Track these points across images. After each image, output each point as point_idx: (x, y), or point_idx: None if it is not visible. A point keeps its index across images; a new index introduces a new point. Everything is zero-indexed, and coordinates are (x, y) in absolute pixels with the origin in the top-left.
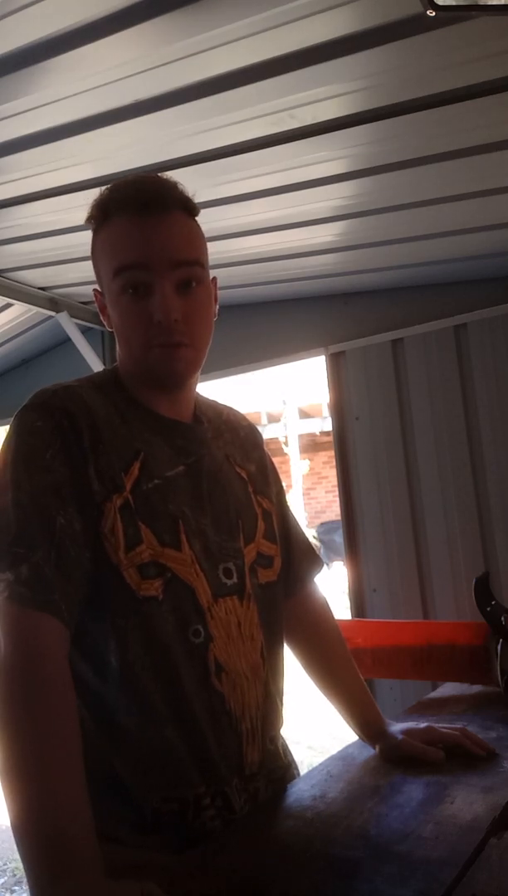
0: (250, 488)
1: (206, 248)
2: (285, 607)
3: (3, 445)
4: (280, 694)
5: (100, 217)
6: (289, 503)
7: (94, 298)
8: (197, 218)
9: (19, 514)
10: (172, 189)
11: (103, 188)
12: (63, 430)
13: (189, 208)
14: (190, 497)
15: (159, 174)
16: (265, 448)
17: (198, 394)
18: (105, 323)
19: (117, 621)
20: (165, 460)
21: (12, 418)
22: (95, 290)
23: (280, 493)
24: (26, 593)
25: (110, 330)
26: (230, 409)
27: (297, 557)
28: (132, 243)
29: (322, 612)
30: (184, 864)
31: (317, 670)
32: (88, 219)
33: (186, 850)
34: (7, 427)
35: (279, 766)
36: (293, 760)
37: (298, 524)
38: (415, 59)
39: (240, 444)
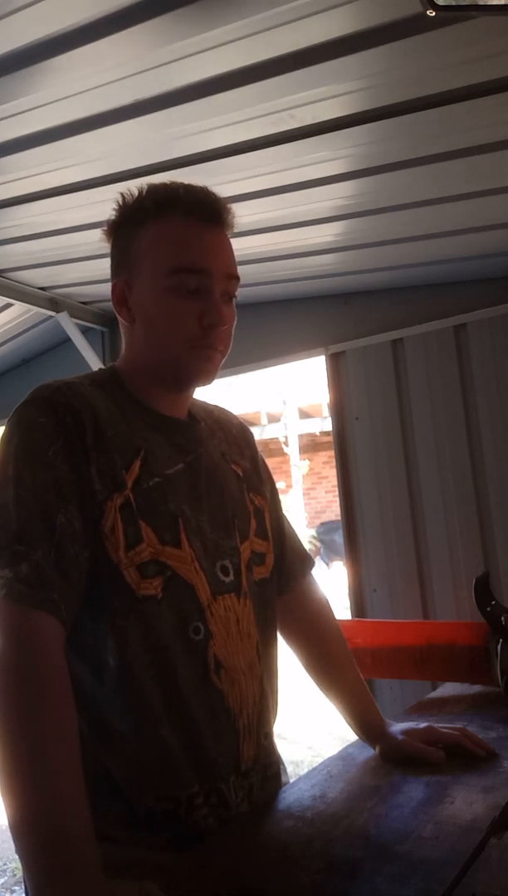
0: (244, 486)
1: None
2: (279, 604)
3: (4, 441)
4: (274, 690)
5: (154, 209)
6: (282, 501)
7: (111, 290)
8: None
9: (20, 511)
10: (229, 208)
11: (145, 183)
12: (66, 426)
13: (231, 228)
14: (189, 495)
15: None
16: (257, 446)
17: None
18: (122, 315)
19: (116, 621)
20: (165, 458)
21: (13, 413)
22: (118, 280)
23: (273, 491)
24: (25, 591)
25: (127, 323)
26: (220, 408)
27: (289, 554)
28: (201, 247)
29: (321, 610)
30: (183, 864)
31: (317, 670)
32: (134, 207)
33: (182, 849)
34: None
35: (274, 762)
36: (281, 756)
37: (290, 522)
38: (415, 59)
39: (233, 441)
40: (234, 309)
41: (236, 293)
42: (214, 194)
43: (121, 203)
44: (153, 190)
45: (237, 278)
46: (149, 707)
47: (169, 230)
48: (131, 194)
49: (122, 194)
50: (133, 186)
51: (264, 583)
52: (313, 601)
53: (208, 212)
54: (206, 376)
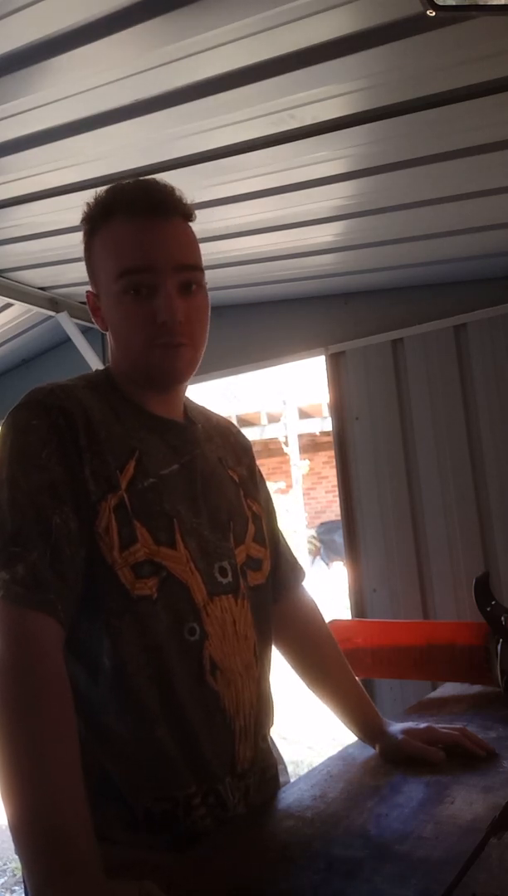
0: (241, 491)
1: (200, 253)
2: (273, 612)
3: None
4: (271, 693)
5: (99, 218)
6: (276, 510)
7: (86, 300)
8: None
9: (15, 513)
10: (173, 194)
11: (100, 189)
12: (59, 428)
13: (187, 214)
14: (184, 496)
15: (157, 179)
16: (254, 456)
17: (187, 398)
18: (98, 324)
19: (111, 621)
20: (160, 458)
21: (6, 416)
22: (88, 291)
23: (268, 501)
24: (22, 592)
25: (103, 331)
26: (220, 416)
27: (282, 564)
28: (137, 246)
29: (311, 616)
30: (183, 864)
31: (311, 675)
32: (86, 218)
33: (180, 850)
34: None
35: (272, 765)
36: (281, 756)
37: (283, 533)
38: (415, 59)
39: (231, 448)
40: (200, 299)
41: (200, 281)
42: (156, 185)
43: (84, 213)
44: (101, 195)
45: (192, 267)
46: (145, 708)
47: (111, 234)
48: (90, 203)
49: (87, 203)
50: (93, 195)
51: (260, 588)
52: (304, 609)
53: (145, 206)
54: (176, 374)
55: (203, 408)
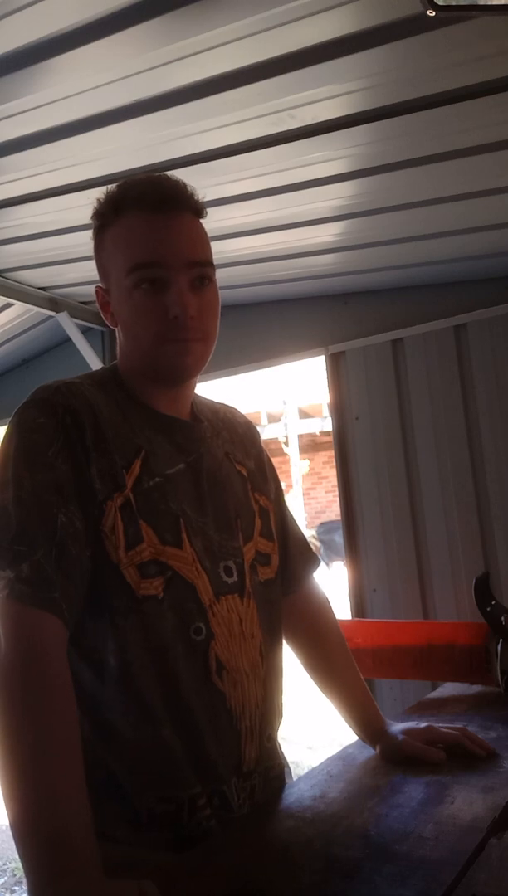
0: (248, 486)
1: (211, 248)
2: (283, 605)
3: (4, 442)
4: (279, 692)
5: (110, 213)
6: (287, 501)
7: (95, 296)
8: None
9: (20, 512)
10: (185, 189)
11: (111, 185)
12: (66, 427)
13: (198, 209)
14: (190, 495)
15: (168, 175)
16: (263, 445)
17: (196, 394)
18: (107, 320)
19: (117, 620)
20: (166, 458)
21: (13, 414)
22: (97, 287)
23: (278, 491)
24: (27, 591)
25: (113, 327)
26: (227, 407)
27: (294, 555)
28: (149, 241)
29: (322, 610)
30: (183, 864)
31: (317, 670)
32: (96, 214)
33: (183, 850)
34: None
35: (277, 765)
36: (285, 759)
37: (295, 522)
38: (415, 59)
39: (239, 441)
40: (211, 294)
41: (211, 276)
42: (168, 180)
43: (94, 209)
44: (111, 191)
45: (203, 263)
46: (150, 708)
47: (122, 229)
48: (100, 198)
49: (98, 199)
50: (105, 191)
51: (269, 583)
52: (314, 601)
53: (156, 201)
54: (186, 369)
55: (210, 401)
